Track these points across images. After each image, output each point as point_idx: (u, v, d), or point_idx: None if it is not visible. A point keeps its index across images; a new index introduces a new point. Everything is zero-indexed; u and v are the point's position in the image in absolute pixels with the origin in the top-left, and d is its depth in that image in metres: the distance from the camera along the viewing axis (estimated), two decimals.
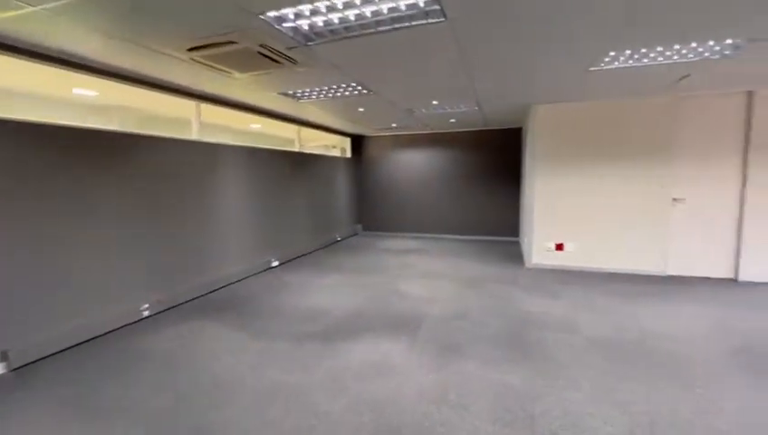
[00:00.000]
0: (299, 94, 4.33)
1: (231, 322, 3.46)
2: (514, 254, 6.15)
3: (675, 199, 4.66)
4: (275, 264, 5.50)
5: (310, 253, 6.48)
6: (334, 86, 4.00)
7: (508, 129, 7.37)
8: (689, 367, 2.54)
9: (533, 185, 5.20)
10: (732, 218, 4.53)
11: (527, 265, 5.34)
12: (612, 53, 3.06)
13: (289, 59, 2.88)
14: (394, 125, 6.96)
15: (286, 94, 4.30)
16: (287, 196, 5.91)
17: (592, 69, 3.47)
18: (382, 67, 3.30)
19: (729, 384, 2.32)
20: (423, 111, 5.44)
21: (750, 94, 4.32)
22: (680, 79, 3.84)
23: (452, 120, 6.51)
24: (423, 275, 5.02)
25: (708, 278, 4.62)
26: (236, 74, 3.33)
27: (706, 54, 3.11)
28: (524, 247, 5.34)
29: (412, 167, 8.16)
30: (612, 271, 4.94)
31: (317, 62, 3.08)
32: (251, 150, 5.09)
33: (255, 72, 3.28)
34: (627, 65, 3.36)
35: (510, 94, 4.51)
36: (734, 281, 4.50)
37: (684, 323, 3.29)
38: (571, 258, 5.10)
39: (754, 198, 4.39)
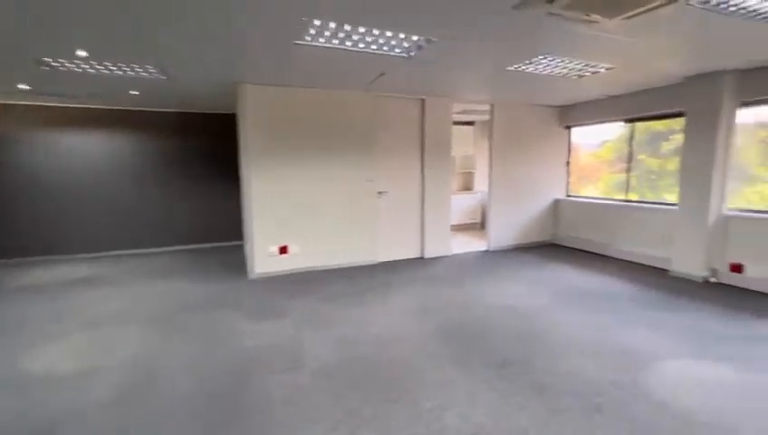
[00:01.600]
0: None
1: None
2: (238, 262, 5.16)
3: (380, 193, 5.03)
4: None
5: None
6: None
7: (224, 114, 6.17)
8: (413, 376, 2.40)
9: (249, 180, 4.36)
10: (418, 208, 5.34)
11: (251, 275, 4.49)
12: (317, 23, 2.56)
13: None
14: (23, 87, 4.33)
15: None
16: None
17: (298, 42, 2.92)
18: None
19: (447, 386, 2.28)
20: (67, 65, 3.45)
21: (423, 102, 5.14)
22: (378, 76, 3.96)
23: (134, 93, 4.67)
24: (86, 325, 3.21)
25: (407, 260, 5.30)
26: None
27: (397, 51, 3.15)
28: (248, 254, 4.50)
29: (82, 157, 5.56)
30: (335, 267, 4.86)
31: None
32: None
33: None
34: (332, 45, 3.00)
35: (208, 62, 3.41)
36: (421, 259, 5.36)
37: (396, 317, 3.35)
38: (297, 261, 4.65)
39: (428, 191, 5.32)
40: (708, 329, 2.95)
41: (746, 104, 3.96)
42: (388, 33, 2.79)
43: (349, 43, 2.99)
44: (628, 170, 5.29)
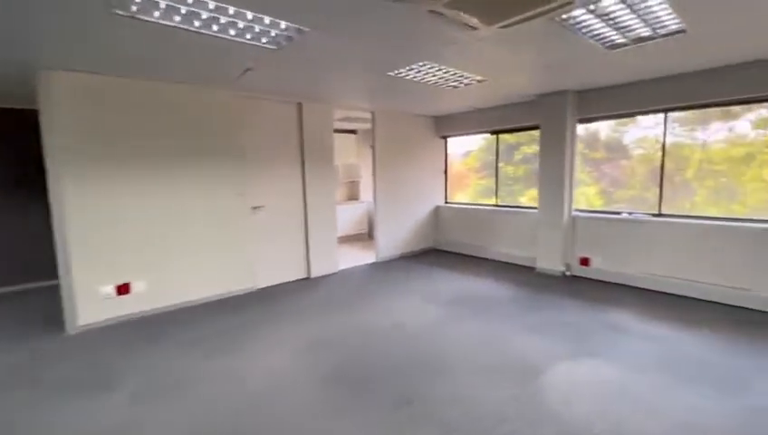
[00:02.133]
0: None
1: None
2: (50, 312, 3.75)
3: (254, 208, 4.34)
4: None
5: None
6: None
7: (19, 109, 4.54)
8: None
9: (61, 198, 3.20)
10: (301, 222, 4.81)
11: (72, 329, 3.29)
12: None
13: None
14: None
15: None
16: None
17: (119, 12, 2.15)
18: None
19: None
20: None
21: (300, 106, 4.65)
22: (245, 71, 3.34)
23: None
24: None
25: (292, 282, 4.71)
26: None
27: (264, 41, 2.63)
28: (66, 300, 3.28)
29: None
30: (201, 301, 3.97)
31: None
32: None
33: None
34: (173, 24, 2.32)
35: None
36: (308, 280, 4.84)
37: (279, 360, 2.79)
38: (146, 300, 3.63)
39: (311, 203, 4.84)
40: (576, 325, 3.21)
41: (582, 121, 4.63)
42: (249, 16, 2.26)
43: (198, 24, 2.35)
44: (497, 177, 5.75)
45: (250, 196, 4.29)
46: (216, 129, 3.98)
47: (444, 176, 6.56)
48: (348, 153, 7.51)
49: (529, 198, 5.60)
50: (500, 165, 5.70)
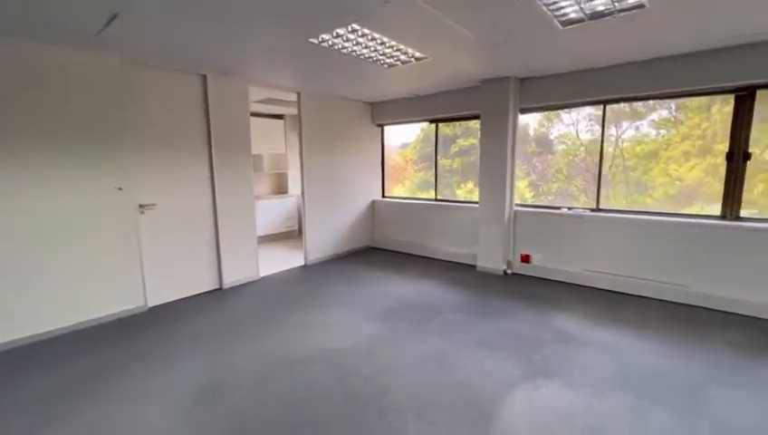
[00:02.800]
0: None
1: None
2: None
3: (142, 206, 3.41)
4: None
5: None
6: None
7: None
8: None
9: None
10: (209, 222, 3.95)
11: None
12: None
13: None
14: None
15: None
16: None
17: None
18: None
19: None
20: None
21: (205, 79, 3.77)
22: (110, 20, 2.44)
23: None
24: None
25: (197, 296, 3.85)
26: None
27: None
28: None
29: None
30: (62, 332, 3.00)
31: None
32: None
33: None
34: None
35: None
36: (220, 290, 4.02)
37: (157, 420, 2.05)
38: None
39: (223, 199, 4.00)
40: (525, 335, 2.89)
41: (523, 111, 4.38)
42: None
43: None
44: (436, 169, 5.36)
45: (137, 190, 3.35)
46: (89, 104, 2.99)
47: (381, 167, 6.04)
48: (274, 141, 6.64)
49: (466, 190, 5.35)
50: (438, 157, 5.33)
